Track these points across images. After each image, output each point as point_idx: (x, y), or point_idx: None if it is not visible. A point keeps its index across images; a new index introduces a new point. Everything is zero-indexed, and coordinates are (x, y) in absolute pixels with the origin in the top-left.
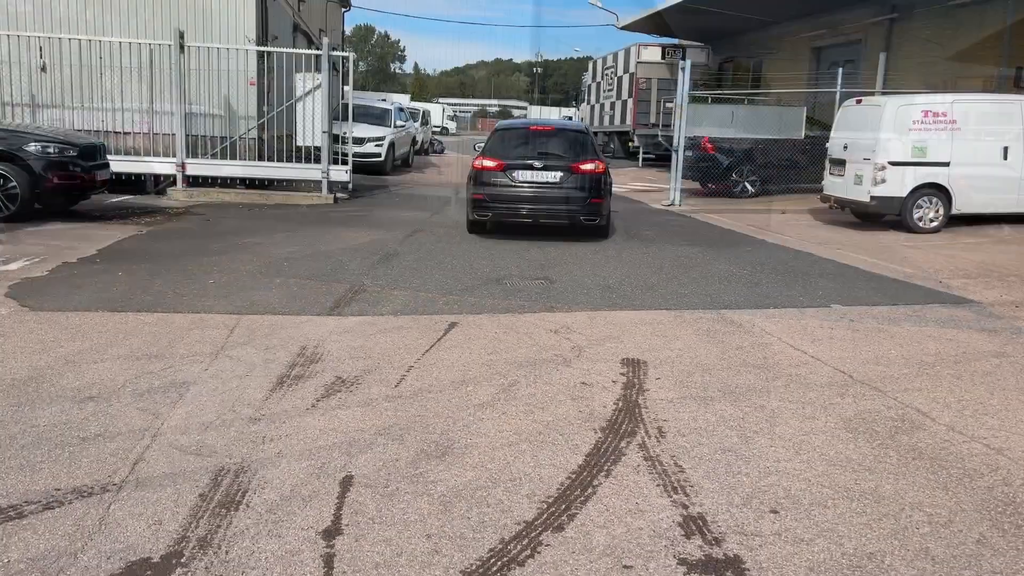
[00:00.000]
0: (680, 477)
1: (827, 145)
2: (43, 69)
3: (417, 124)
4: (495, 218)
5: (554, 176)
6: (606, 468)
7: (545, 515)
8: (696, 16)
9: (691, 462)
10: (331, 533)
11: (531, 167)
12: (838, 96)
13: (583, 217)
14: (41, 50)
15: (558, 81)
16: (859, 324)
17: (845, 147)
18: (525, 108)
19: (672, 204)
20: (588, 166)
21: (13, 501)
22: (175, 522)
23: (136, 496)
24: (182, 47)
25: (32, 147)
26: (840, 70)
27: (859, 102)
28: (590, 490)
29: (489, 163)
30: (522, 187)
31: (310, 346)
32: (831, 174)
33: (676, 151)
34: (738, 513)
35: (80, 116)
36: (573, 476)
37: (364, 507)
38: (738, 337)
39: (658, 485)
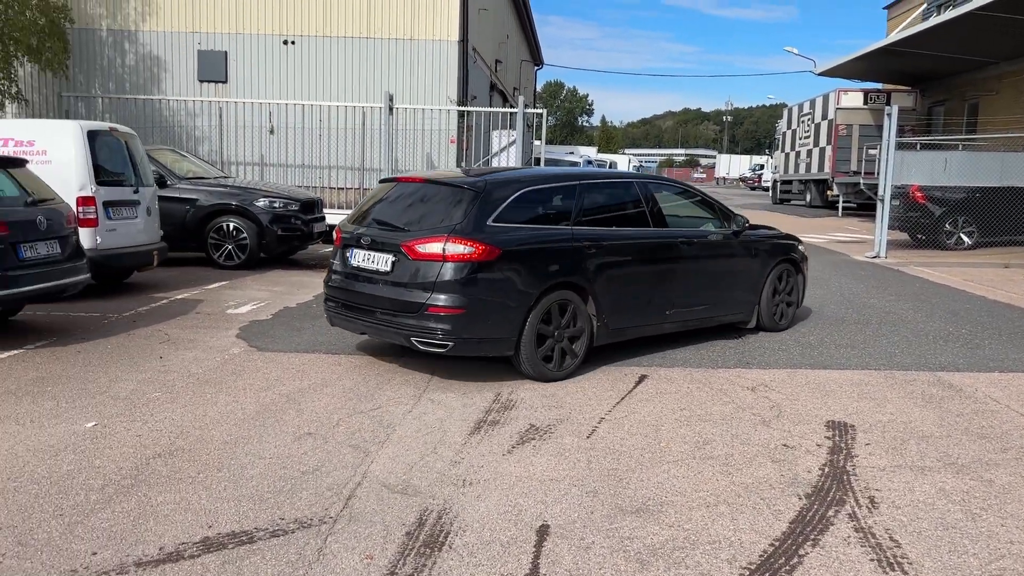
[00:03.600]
0: (896, 552)
1: None
2: (271, 132)
3: None
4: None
5: (384, 261)
6: (812, 537)
7: None
8: (902, 59)
9: (908, 537)
10: None
11: (360, 243)
12: None
13: (415, 338)
14: (271, 115)
15: (749, 129)
16: None
17: None
18: (714, 156)
19: (877, 256)
20: (433, 247)
21: (245, 527)
22: (384, 558)
23: (350, 530)
24: (391, 109)
25: (261, 202)
26: None
27: None
28: (796, 560)
29: (338, 234)
30: (351, 276)
31: (504, 393)
32: None
33: (881, 200)
34: None
35: (300, 173)
36: (777, 543)
37: (561, 558)
38: (958, 402)
39: (872, 560)
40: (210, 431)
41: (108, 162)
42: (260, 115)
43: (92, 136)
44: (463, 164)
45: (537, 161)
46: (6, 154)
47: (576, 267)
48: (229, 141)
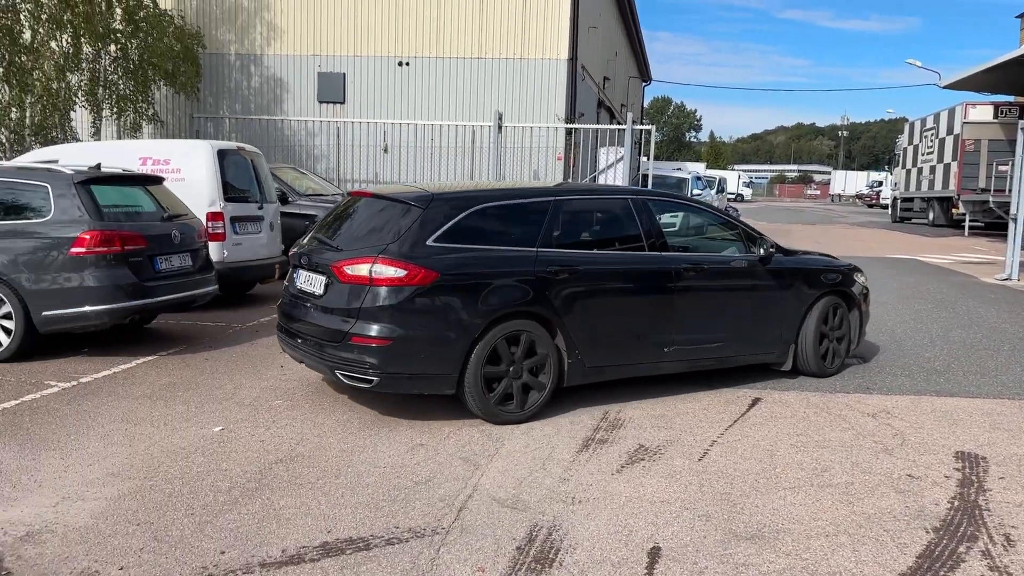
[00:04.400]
0: None
1: None
2: (385, 150)
3: (713, 192)
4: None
5: (319, 283)
6: (942, 574)
7: None
8: None
9: None
10: None
11: (301, 263)
12: None
13: (339, 370)
14: (384, 134)
15: (866, 144)
16: None
17: None
18: (828, 173)
19: (1008, 278)
20: (360, 269)
21: (362, 534)
22: (496, 572)
23: (462, 542)
24: (499, 127)
25: None
26: None
27: None
28: None
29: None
30: (293, 299)
31: (612, 411)
32: None
33: (1014, 219)
34: None
35: None
36: None
37: None
38: None
39: None
40: (328, 438)
41: (236, 180)
42: (374, 134)
43: (222, 155)
44: (570, 180)
45: (644, 178)
46: (145, 172)
47: (540, 295)
48: (345, 159)
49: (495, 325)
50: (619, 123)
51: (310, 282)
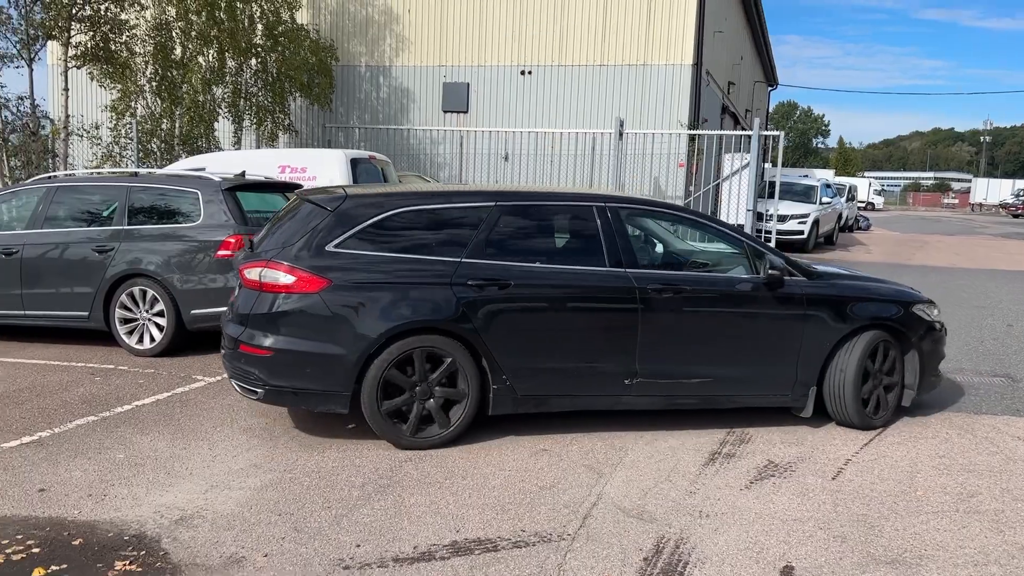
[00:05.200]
0: None
1: None
2: (505, 158)
3: (843, 200)
4: None
5: (236, 288)
6: None
7: None
8: None
9: None
10: None
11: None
12: None
13: (235, 380)
14: (505, 142)
15: (1011, 151)
16: None
17: None
18: (968, 180)
19: None
20: (252, 273)
21: (489, 535)
22: None
23: (587, 549)
24: (620, 134)
25: None
26: None
27: None
28: None
29: None
30: (229, 306)
31: (739, 426)
32: None
33: None
34: None
35: None
36: None
37: None
38: None
39: None
40: (454, 439)
41: None
42: (496, 142)
43: (354, 163)
44: (691, 188)
45: (771, 185)
46: (284, 180)
47: (459, 311)
48: (467, 167)
49: (396, 340)
50: (743, 129)
51: (236, 287)
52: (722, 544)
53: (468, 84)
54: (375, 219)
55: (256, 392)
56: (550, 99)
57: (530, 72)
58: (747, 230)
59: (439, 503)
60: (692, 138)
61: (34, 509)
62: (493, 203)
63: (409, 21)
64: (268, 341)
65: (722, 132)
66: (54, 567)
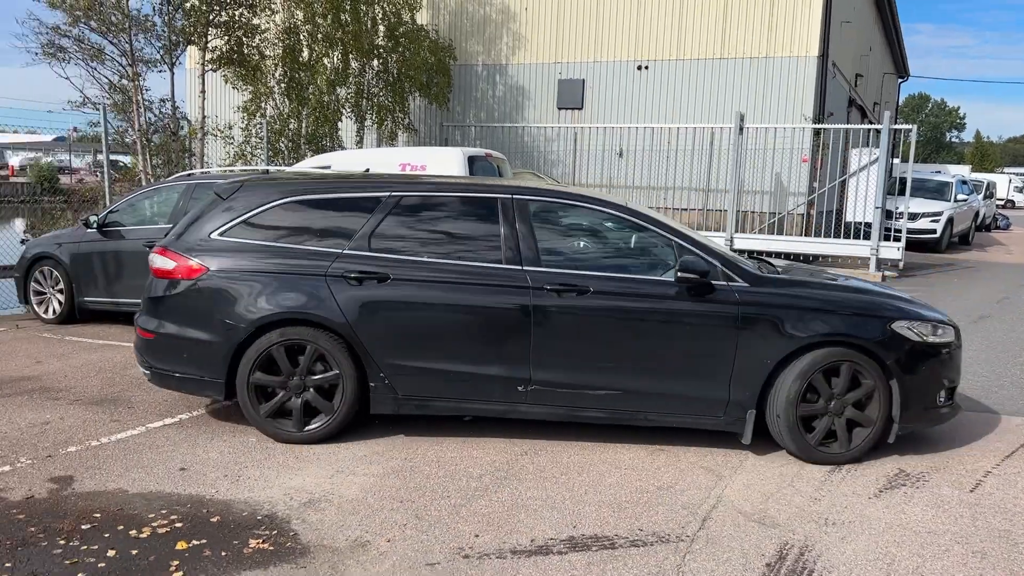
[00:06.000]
0: None
1: None
2: (620, 155)
3: (980, 197)
4: None
5: None
6: None
7: None
8: None
9: None
10: None
11: None
12: None
13: (136, 357)
14: (620, 138)
15: None
16: None
17: None
18: None
19: None
20: (151, 258)
21: (606, 532)
22: None
23: (707, 552)
24: (741, 129)
25: None
26: None
27: None
28: None
29: None
30: None
31: None
32: None
33: None
34: None
35: (645, 194)
36: None
37: None
38: None
39: None
40: (568, 435)
41: None
42: (610, 138)
43: (472, 161)
44: (815, 184)
45: (901, 181)
46: None
47: (335, 304)
48: (581, 164)
49: (267, 331)
50: (871, 122)
51: None
52: (850, 553)
53: (583, 80)
54: (264, 208)
55: (147, 373)
56: (667, 94)
57: (647, 67)
58: (875, 228)
59: (555, 498)
60: (817, 132)
61: (176, 486)
62: (387, 193)
63: (526, 19)
64: (152, 324)
65: (849, 126)
66: (195, 541)
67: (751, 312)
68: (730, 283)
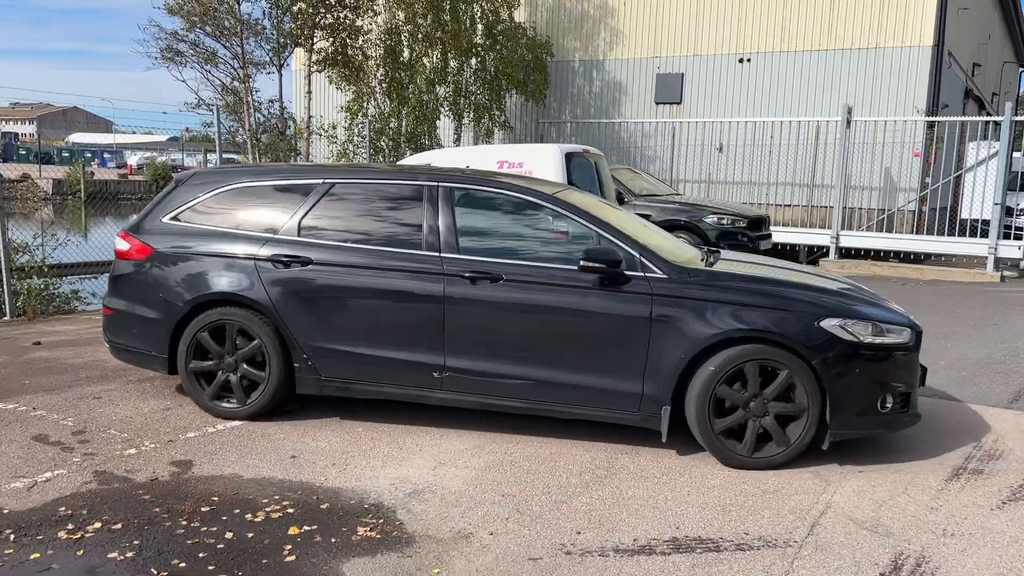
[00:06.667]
0: None
1: None
2: (719, 150)
3: None
4: None
5: None
6: None
7: None
8: None
9: None
10: None
11: None
12: None
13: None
14: (720, 133)
15: None
16: None
17: None
18: None
19: None
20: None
21: (711, 535)
22: None
23: (816, 559)
24: (848, 122)
25: (710, 219)
26: None
27: None
28: None
29: None
30: None
31: (988, 440)
32: None
33: None
34: None
35: (745, 190)
36: None
37: None
38: None
39: None
40: (670, 435)
41: (579, 180)
42: (710, 133)
43: (568, 158)
44: (928, 179)
45: (1023, 176)
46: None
47: (263, 287)
48: (679, 159)
49: (202, 311)
50: (990, 114)
51: None
52: (971, 567)
53: (682, 75)
54: (210, 194)
55: (108, 346)
56: (769, 87)
57: (748, 60)
58: (993, 226)
59: (657, 498)
60: (930, 125)
61: (287, 473)
62: (320, 180)
63: (624, 14)
64: (110, 301)
65: (965, 118)
66: (306, 527)
67: (665, 305)
68: (647, 274)
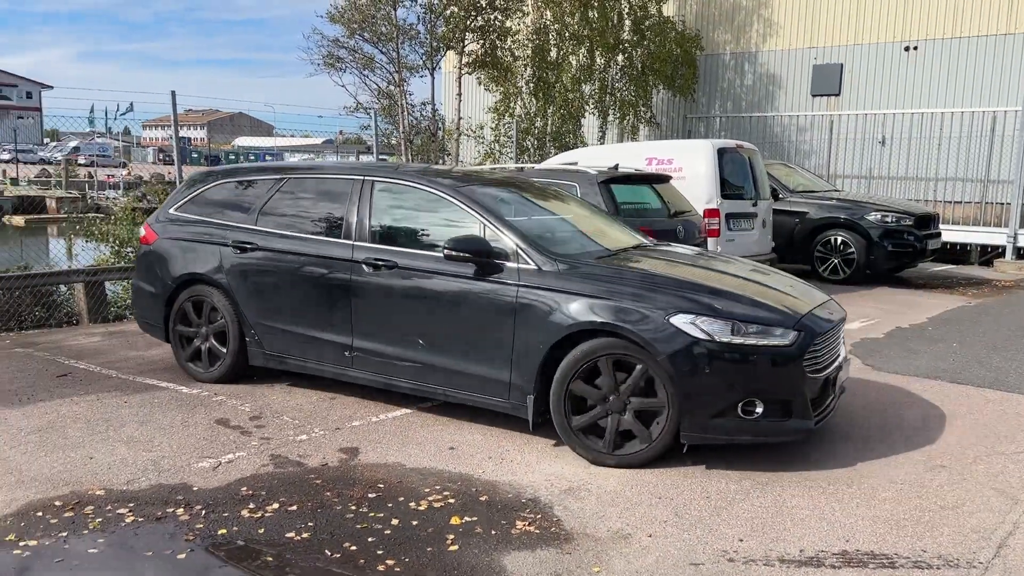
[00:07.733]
0: None
1: None
2: (882, 143)
3: None
4: None
5: None
6: None
7: None
8: None
9: None
10: None
11: None
12: None
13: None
14: (882, 126)
15: None
16: None
17: None
18: None
19: None
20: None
21: (884, 550)
22: None
23: None
24: None
25: (872, 216)
26: None
27: None
28: None
29: None
30: None
31: None
32: None
33: None
34: None
35: (910, 186)
36: None
37: None
38: None
39: None
40: (838, 445)
41: (732, 177)
42: (871, 126)
43: (721, 153)
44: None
45: None
46: (652, 172)
47: (225, 269)
48: (837, 153)
49: (184, 288)
50: None
51: None
52: None
53: (841, 65)
54: (205, 188)
55: (134, 316)
56: (938, 76)
57: (915, 47)
58: None
59: (823, 508)
60: None
61: (446, 464)
62: (275, 176)
63: (779, 4)
64: (134, 280)
65: None
66: (467, 518)
67: (529, 295)
68: (520, 265)
